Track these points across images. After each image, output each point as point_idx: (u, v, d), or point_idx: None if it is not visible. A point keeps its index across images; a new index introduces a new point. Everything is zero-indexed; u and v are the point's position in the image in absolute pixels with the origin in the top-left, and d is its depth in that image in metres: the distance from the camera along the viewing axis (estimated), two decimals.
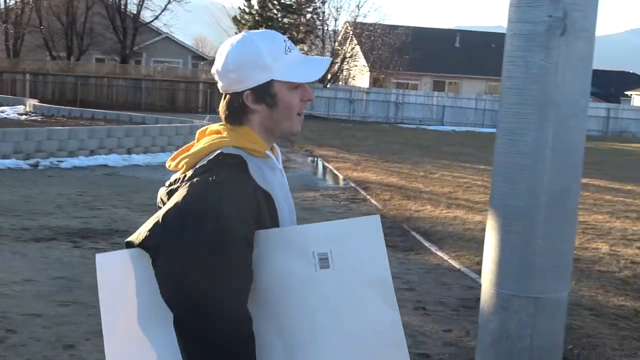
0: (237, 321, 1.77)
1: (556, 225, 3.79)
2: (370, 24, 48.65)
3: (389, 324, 1.84)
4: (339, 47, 47.22)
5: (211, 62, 55.55)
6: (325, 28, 47.31)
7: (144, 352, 1.88)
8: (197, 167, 1.87)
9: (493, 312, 3.92)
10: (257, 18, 45.25)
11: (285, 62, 1.95)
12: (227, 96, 1.98)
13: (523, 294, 3.75)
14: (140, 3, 45.39)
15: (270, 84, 1.94)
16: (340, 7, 55.41)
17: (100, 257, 1.93)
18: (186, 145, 2.06)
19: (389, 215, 10.95)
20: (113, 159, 15.80)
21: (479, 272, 6.53)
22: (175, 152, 2.03)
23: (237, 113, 1.97)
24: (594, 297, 6.91)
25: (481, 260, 3.62)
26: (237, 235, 1.78)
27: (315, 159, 20.13)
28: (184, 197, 1.81)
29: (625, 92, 64.44)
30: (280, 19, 45.75)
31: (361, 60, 48.78)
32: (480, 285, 3.69)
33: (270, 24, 44.87)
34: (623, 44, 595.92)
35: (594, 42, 3.88)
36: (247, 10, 45.86)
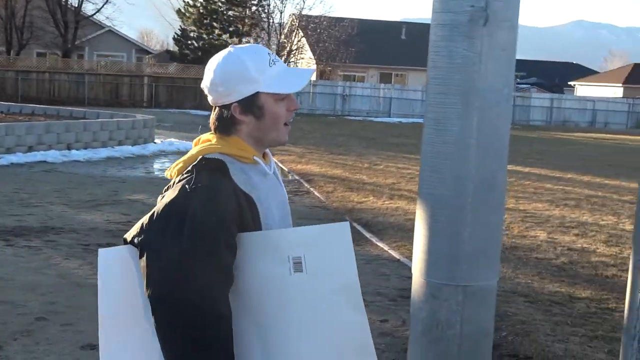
0: (213, 319, 1.85)
1: (483, 213, 3.81)
2: (316, 17, 48.62)
3: (357, 330, 1.93)
4: (285, 40, 47.09)
5: (156, 55, 54.93)
6: (271, 21, 47.10)
7: (138, 345, 1.97)
8: (183, 172, 2.01)
9: (423, 301, 3.93)
10: (201, 11, 44.82)
11: (270, 74, 2.05)
12: (216, 109, 2.08)
13: (452, 282, 3.77)
14: None
15: (256, 96, 2.04)
16: (286, 0, 55.20)
17: (102, 252, 2.04)
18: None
19: (332, 207, 10.97)
20: (52, 155, 15.47)
21: None
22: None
23: (226, 124, 2.07)
24: (530, 284, 7.02)
25: None
26: (216, 237, 1.88)
27: None
28: (169, 201, 1.93)
29: (569, 83, 65.70)
30: (225, 12, 45.39)
31: (308, 53, 48.74)
32: None
33: (214, 16, 44.52)
34: (567, 36, 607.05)
35: (516, 32, 3.91)
36: (191, 2, 45.39)
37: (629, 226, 10.06)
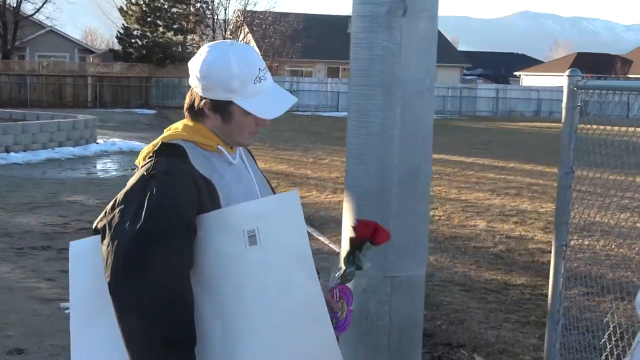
0: (172, 301, 1.86)
1: (409, 204, 3.84)
2: (261, 12, 48.42)
3: (312, 297, 1.94)
4: (231, 37, 46.81)
5: (100, 54, 54.11)
6: (216, 17, 46.80)
7: (109, 334, 1.96)
8: (146, 159, 2.04)
9: (353, 293, 3.92)
10: (144, 9, 44.21)
11: (252, 90, 2.05)
12: (194, 91, 2.12)
13: (380, 273, 3.79)
14: None
15: (229, 102, 2.06)
16: None
17: (73, 244, 2.09)
18: None
19: None
20: None
21: None
22: None
23: (196, 111, 2.11)
24: (466, 272, 7.09)
25: None
26: (173, 221, 1.90)
27: None
28: (129, 186, 1.98)
29: (515, 73, 66.66)
30: (168, 9, 44.89)
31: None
32: None
33: (158, 14, 44.00)
34: (512, 26, 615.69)
35: (436, 22, 3.93)
36: (133, 0, 44.78)
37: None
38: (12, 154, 15.71)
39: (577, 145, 3.81)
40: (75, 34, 60.37)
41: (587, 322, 4.91)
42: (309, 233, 8.83)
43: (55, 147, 16.92)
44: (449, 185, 13.19)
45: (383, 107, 3.82)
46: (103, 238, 1.95)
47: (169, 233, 1.89)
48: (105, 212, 2.00)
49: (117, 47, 48.66)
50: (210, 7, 46.59)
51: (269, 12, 48.95)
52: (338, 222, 9.78)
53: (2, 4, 42.80)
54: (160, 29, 44.52)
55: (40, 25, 46.97)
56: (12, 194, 11.39)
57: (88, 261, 2.04)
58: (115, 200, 1.98)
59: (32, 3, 44.33)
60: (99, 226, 2.00)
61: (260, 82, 2.07)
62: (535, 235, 8.89)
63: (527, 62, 75.85)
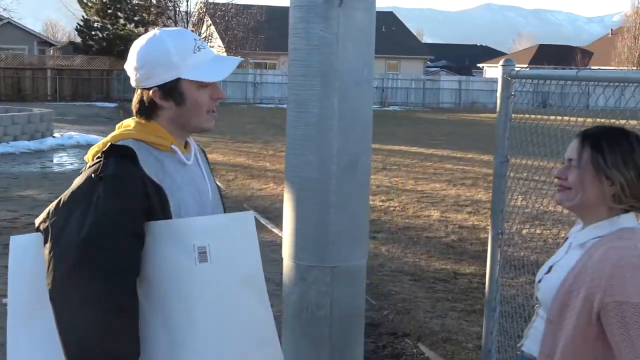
0: (115, 310, 1.81)
1: (348, 195, 3.83)
2: (224, 4, 48.09)
3: (261, 321, 1.94)
4: (194, 29, 46.45)
5: (61, 47, 53.38)
6: (177, 9, 46.37)
7: (46, 333, 1.91)
8: (94, 158, 1.95)
9: (293, 284, 3.94)
10: (104, 0, 43.72)
11: (193, 61, 2.00)
12: (138, 91, 2.05)
13: (320, 264, 3.78)
14: None
15: (177, 82, 2.00)
16: None
17: (14, 239, 2.01)
18: None
19: (231, 196, 10.89)
20: None
21: None
22: None
23: (147, 108, 2.03)
24: (417, 262, 7.13)
25: None
26: (119, 226, 1.83)
27: None
28: (75, 187, 1.90)
29: (478, 65, 67.18)
30: (129, 1, 44.40)
31: (217, 42, 48.24)
32: None
33: (118, 5, 43.50)
34: (476, 19, 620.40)
35: (374, 13, 3.92)
36: None
37: (519, 202, 10.33)
38: None
39: (511, 133, 3.84)
40: (36, 26, 59.57)
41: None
42: (263, 225, 8.83)
43: (9, 141, 16.66)
44: (407, 176, 13.25)
45: (321, 98, 3.81)
46: (46, 241, 1.88)
47: (114, 239, 1.83)
48: (49, 213, 1.92)
49: (78, 39, 48.07)
50: None
51: (232, 3, 48.65)
52: None
53: None
54: (121, 20, 44.03)
55: None
56: None
57: (29, 258, 1.97)
58: (60, 200, 1.90)
59: None
60: (41, 227, 1.92)
61: (199, 50, 2.03)
62: (488, 225, 8.93)
63: (491, 54, 76.47)
